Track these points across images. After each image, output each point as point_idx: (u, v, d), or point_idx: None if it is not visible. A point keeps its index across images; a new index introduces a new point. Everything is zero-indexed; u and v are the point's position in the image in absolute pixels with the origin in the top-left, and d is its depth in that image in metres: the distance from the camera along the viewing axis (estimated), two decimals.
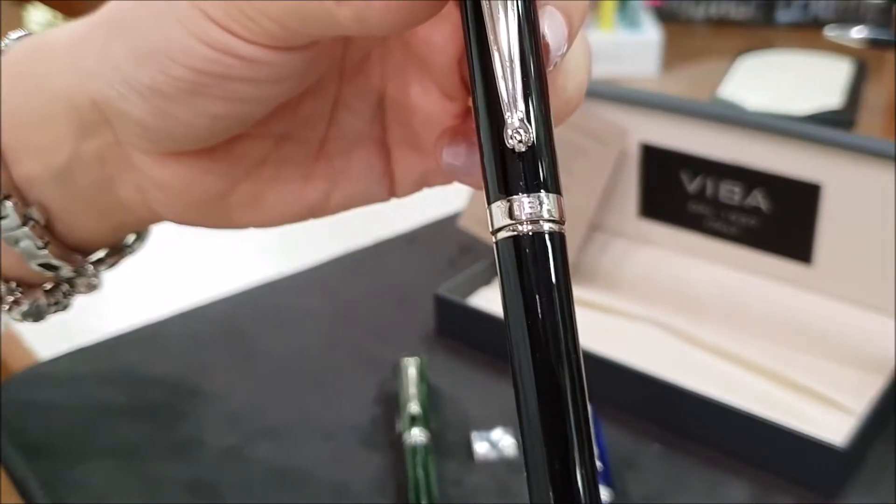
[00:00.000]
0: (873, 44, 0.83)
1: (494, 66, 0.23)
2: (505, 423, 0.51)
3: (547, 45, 0.24)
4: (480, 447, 0.49)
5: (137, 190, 0.32)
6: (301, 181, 0.33)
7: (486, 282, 0.62)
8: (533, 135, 0.23)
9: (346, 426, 0.52)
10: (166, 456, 0.50)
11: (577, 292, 0.61)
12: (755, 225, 0.56)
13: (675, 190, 0.58)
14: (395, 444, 0.50)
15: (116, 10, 0.28)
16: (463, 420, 0.52)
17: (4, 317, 0.35)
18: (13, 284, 0.34)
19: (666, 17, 1.20)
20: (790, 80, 0.99)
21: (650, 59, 1.10)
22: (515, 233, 0.22)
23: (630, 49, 1.10)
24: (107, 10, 0.29)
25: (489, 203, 0.23)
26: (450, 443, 0.50)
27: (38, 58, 0.31)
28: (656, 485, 0.47)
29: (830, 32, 0.81)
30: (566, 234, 0.23)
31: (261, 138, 0.32)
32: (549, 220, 0.22)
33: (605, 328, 0.58)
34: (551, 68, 0.25)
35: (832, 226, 0.53)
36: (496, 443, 0.50)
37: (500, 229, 0.22)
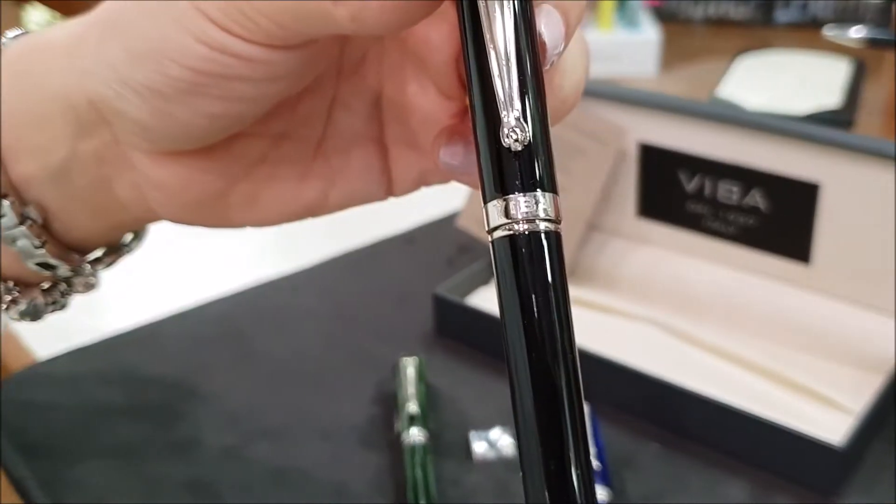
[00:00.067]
0: (872, 43, 0.83)
1: (491, 65, 0.23)
2: (503, 423, 0.51)
3: (543, 43, 0.24)
4: (479, 447, 0.49)
5: (135, 189, 0.32)
6: (299, 180, 0.33)
7: (485, 281, 0.62)
8: (529, 134, 0.23)
9: (344, 426, 0.52)
10: (165, 456, 0.50)
11: (576, 292, 0.61)
12: (754, 224, 0.56)
13: (673, 190, 0.58)
14: (394, 443, 0.50)
15: (113, 10, 0.28)
16: (461, 420, 0.52)
17: (3, 317, 0.35)
18: (11, 284, 0.34)
19: (665, 16, 1.20)
20: (789, 79, 0.99)
21: (649, 59, 1.10)
22: (511, 232, 0.22)
23: (629, 49, 1.10)
24: (103, 9, 0.29)
25: (485, 202, 0.23)
26: (448, 442, 0.50)
27: (35, 57, 0.31)
28: (655, 484, 0.47)
29: (829, 32, 0.81)
30: (563, 233, 0.23)
31: (258, 137, 0.32)
32: (545, 220, 0.22)
33: (604, 328, 0.58)
34: (548, 67, 0.25)
35: (831, 225, 0.53)
36: (494, 442, 0.50)
37: (496, 228, 0.22)
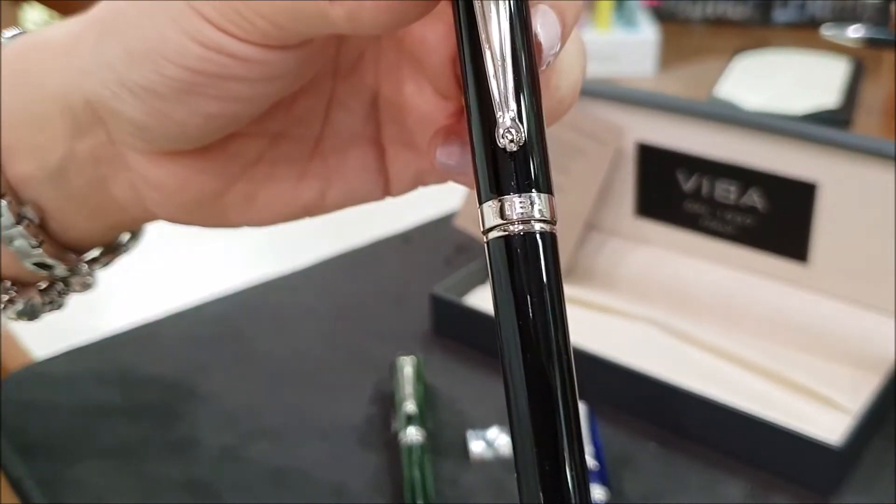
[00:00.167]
0: (870, 43, 0.83)
1: (486, 66, 0.23)
2: (501, 422, 0.51)
3: (539, 44, 0.24)
4: (476, 446, 0.49)
5: (132, 189, 0.32)
6: (296, 180, 0.33)
7: (482, 281, 0.62)
8: (524, 134, 0.23)
9: (342, 425, 0.52)
10: (164, 456, 0.50)
11: (574, 291, 0.61)
12: (751, 224, 0.56)
13: (671, 189, 0.58)
14: (392, 443, 0.50)
15: (111, 9, 0.28)
16: (459, 419, 0.52)
17: (1, 316, 0.35)
18: (8, 283, 0.34)
19: (663, 16, 1.20)
20: (787, 79, 0.99)
21: (647, 59, 1.10)
22: (506, 233, 0.22)
23: (627, 48, 1.10)
24: (101, 8, 0.29)
25: (480, 203, 0.23)
26: (446, 442, 0.50)
27: (33, 56, 0.30)
28: (653, 484, 0.47)
29: (827, 32, 0.81)
30: (560, 233, 0.23)
31: (255, 137, 0.32)
32: (540, 220, 0.22)
33: (602, 327, 0.58)
34: (544, 67, 0.25)
35: (828, 225, 0.53)
36: (492, 442, 0.50)
37: (491, 229, 0.22)
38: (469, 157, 0.24)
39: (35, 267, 0.33)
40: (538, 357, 0.22)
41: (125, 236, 0.36)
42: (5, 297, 0.34)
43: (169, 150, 0.30)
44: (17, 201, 0.31)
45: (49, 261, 0.33)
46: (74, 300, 0.37)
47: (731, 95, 0.92)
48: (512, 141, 0.23)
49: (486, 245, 0.23)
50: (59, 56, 0.30)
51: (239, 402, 0.54)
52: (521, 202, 0.22)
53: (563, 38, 0.25)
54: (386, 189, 0.34)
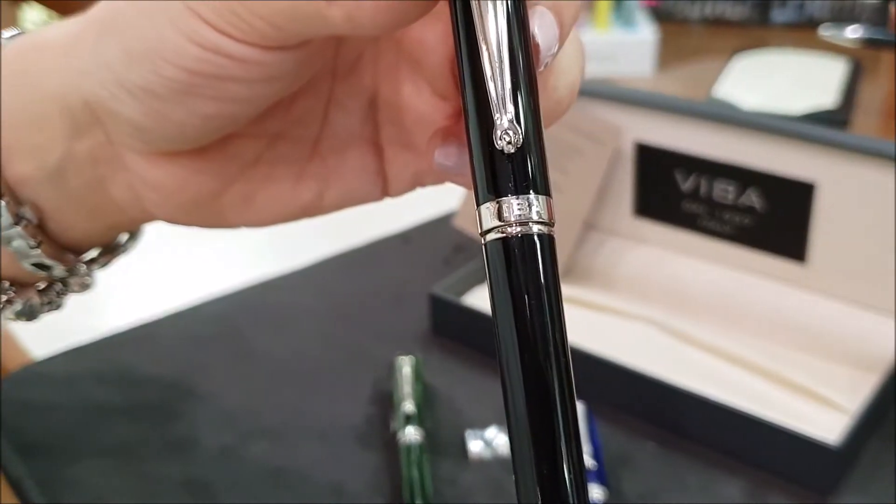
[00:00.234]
0: (868, 43, 0.83)
1: (484, 67, 0.23)
2: (499, 422, 0.51)
3: (537, 45, 0.24)
4: (475, 446, 0.49)
5: (130, 190, 0.32)
6: (294, 180, 0.33)
7: (481, 281, 0.62)
8: (522, 136, 0.23)
9: (341, 425, 0.52)
10: (162, 455, 0.50)
11: (572, 291, 0.61)
12: (749, 224, 0.56)
13: (669, 189, 0.58)
14: (390, 442, 0.50)
15: (110, 9, 0.28)
16: (457, 418, 0.52)
17: (1, 317, 0.35)
18: (6, 284, 0.34)
19: (661, 16, 1.20)
20: (785, 79, 0.99)
21: (645, 59, 1.10)
22: (504, 234, 0.22)
23: (625, 48, 1.10)
24: (100, 8, 0.29)
25: (478, 205, 0.23)
26: (444, 441, 0.50)
27: (32, 57, 0.30)
28: (651, 483, 0.47)
29: (825, 32, 0.81)
30: (559, 233, 0.23)
31: (254, 138, 0.32)
32: (537, 222, 0.22)
33: (600, 327, 0.58)
34: (542, 69, 0.25)
35: (826, 225, 0.53)
36: (490, 441, 0.50)
37: (489, 231, 0.22)
38: (467, 158, 0.24)
39: (33, 267, 0.33)
40: (536, 359, 0.22)
41: (124, 237, 0.36)
42: (4, 298, 0.34)
43: (167, 151, 0.30)
44: (16, 202, 0.31)
45: (47, 261, 0.33)
46: (73, 300, 0.37)
47: (730, 95, 0.92)
48: (510, 143, 0.23)
49: (483, 247, 0.23)
50: (57, 56, 0.30)
51: (238, 401, 0.54)
52: (518, 204, 0.22)
53: (561, 39, 0.25)
54: (384, 190, 0.34)
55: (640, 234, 0.61)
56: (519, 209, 0.22)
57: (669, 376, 0.50)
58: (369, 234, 0.71)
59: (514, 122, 0.23)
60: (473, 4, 0.23)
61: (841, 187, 0.52)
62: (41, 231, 0.32)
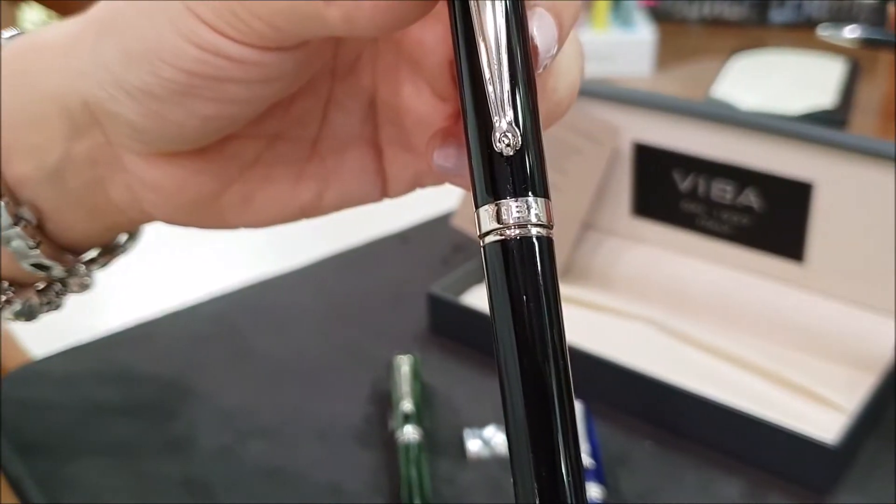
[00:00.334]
0: (866, 43, 0.83)
1: (482, 69, 0.23)
2: (497, 421, 0.51)
3: (536, 47, 0.24)
4: (473, 445, 0.50)
5: (129, 191, 0.32)
6: (293, 181, 0.33)
7: (479, 280, 0.62)
8: (521, 138, 0.23)
9: (339, 424, 0.52)
10: (161, 454, 0.50)
11: (571, 291, 0.61)
12: (747, 223, 0.56)
13: (667, 189, 0.58)
14: (389, 441, 0.50)
15: (110, 10, 0.28)
16: (456, 418, 0.52)
17: (0, 317, 0.35)
18: (5, 284, 0.34)
19: (660, 16, 1.20)
20: (783, 79, 0.99)
21: (644, 59, 1.10)
22: (503, 237, 0.22)
23: (624, 48, 1.10)
24: (100, 8, 0.29)
25: (477, 207, 0.23)
26: (443, 440, 0.50)
27: (31, 57, 0.30)
28: (649, 482, 0.48)
29: (823, 32, 0.81)
30: (557, 233, 0.23)
31: (253, 138, 0.32)
32: (536, 225, 0.22)
33: (598, 326, 0.58)
34: (541, 70, 0.24)
35: (824, 224, 0.53)
36: (489, 440, 0.50)
37: (487, 233, 0.22)
38: (466, 159, 0.24)
39: (33, 268, 0.33)
40: (535, 362, 0.22)
41: (123, 237, 0.36)
42: (3, 298, 0.34)
43: (166, 152, 0.30)
44: (15, 202, 0.31)
45: (46, 262, 0.33)
46: (72, 299, 0.37)
47: (728, 95, 0.92)
48: (508, 145, 0.22)
49: (482, 249, 0.23)
50: (57, 57, 0.30)
51: (236, 400, 0.54)
52: (517, 206, 0.22)
53: (561, 40, 0.25)
54: (383, 190, 0.34)
55: (638, 234, 0.61)
56: (517, 212, 0.22)
57: (668, 376, 0.50)
58: (368, 234, 0.71)
59: (513, 124, 0.23)
60: (472, 5, 0.23)
61: (839, 187, 0.52)
62: (40, 231, 0.32)
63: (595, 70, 1.06)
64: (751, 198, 0.55)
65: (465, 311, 0.58)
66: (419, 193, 0.34)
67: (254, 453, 0.50)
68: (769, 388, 0.52)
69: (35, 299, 0.35)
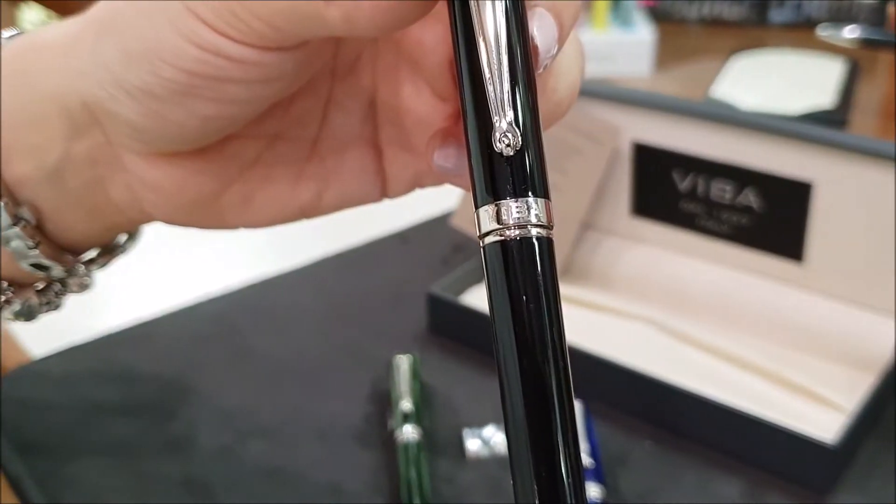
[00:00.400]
0: (866, 43, 0.83)
1: (483, 69, 0.23)
2: (497, 421, 0.51)
3: (536, 47, 0.24)
4: (472, 444, 0.50)
5: (129, 191, 0.32)
6: (293, 181, 0.33)
7: (479, 280, 0.62)
8: (521, 139, 0.23)
9: (339, 424, 0.52)
10: (160, 454, 0.50)
11: (570, 291, 0.61)
12: (747, 223, 0.56)
13: (667, 188, 0.58)
14: (388, 441, 0.50)
15: (109, 9, 0.28)
16: (455, 417, 0.52)
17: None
18: (5, 284, 0.34)
19: (659, 16, 1.20)
20: (783, 79, 0.99)
21: (643, 59, 1.10)
22: (503, 238, 0.22)
23: (623, 48, 1.10)
24: (99, 8, 0.29)
25: (477, 207, 0.23)
26: (442, 440, 0.50)
27: (31, 57, 0.30)
28: (648, 482, 0.48)
29: (823, 32, 0.81)
30: (556, 233, 0.23)
31: (253, 138, 0.32)
32: (536, 225, 0.22)
33: (598, 326, 0.58)
34: (541, 70, 0.24)
35: (824, 224, 0.53)
36: (488, 440, 0.50)
37: (487, 234, 0.22)
38: (466, 159, 0.24)
39: (32, 268, 0.33)
40: (535, 363, 0.22)
41: (123, 237, 0.36)
42: (2, 298, 0.34)
43: (166, 152, 0.30)
44: (14, 202, 0.31)
45: (46, 262, 0.33)
46: (72, 299, 0.37)
47: (728, 95, 0.92)
48: (508, 145, 0.22)
49: (482, 250, 0.22)
50: (56, 57, 0.30)
51: (236, 400, 0.54)
52: (517, 207, 0.22)
53: (561, 40, 0.25)
54: (383, 191, 0.34)
55: (637, 234, 0.61)
56: (517, 212, 0.22)
57: (667, 375, 0.50)
58: (368, 234, 0.71)
59: (513, 124, 0.23)
60: (472, 5, 0.23)
61: (838, 187, 0.52)
62: (39, 232, 0.32)
63: (594, 70, 1.06)
64: (750, 198, 0.55)
65: (465, 310, 0.58)
66: (419, 193, 0.34)
67: (254, 453, 0.50)
68: (769, 388, 0.52)
69: (34, 299, 0.35)
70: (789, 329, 0.55)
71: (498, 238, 0.22)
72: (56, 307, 0.36)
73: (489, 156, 0.23)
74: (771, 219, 0.55)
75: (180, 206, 0.32)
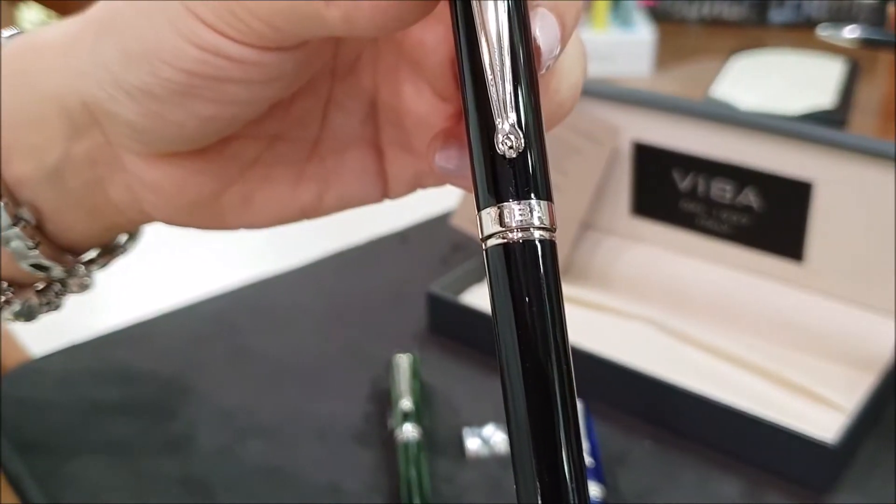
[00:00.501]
0: (866, 43, 0.83)
1: (484, 71, 0.23)
2: (497, 420, 0.51)
3: (538, 47, 0.24)
4: (472, 443, 0.50)
5: (128, 191, 0.32)
6: (293, 182, 0.33)
7: (479, 279, 0.62)
8: (523, 140, 0.22)
9: (338, 423, 0.52)
10: (160, 453, 0.50)
11: (570, 290, 0.61)
12: (747, 223, 0.56)
13: (667, 188, 0.58)
14: (388, 440, 0.50)
15: (108, 10, 0.28)
16: (455, 416, 0.52)
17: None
18: (4, 284, 0.34)
19: (659, 16, 1.20)
20: (783, 79, 0.99)
21: (643, 59, 1.10)
22: (505, 240, 0.22)
23: (623, 48, 1.10)
24: (99, 8, 0.29)
25: (479, 209, 0.23)
26: (442, 439, 0.50)
27: (30, 57, 0.30)
28: (648, 481, 0.48)
29: (823, 32, 0.81)
30: (556, 240, 0.23)
31: (253, 139, 0.32)
32: (539, 228, 0.22)
33: (598, 326, 0.58)
34: (543, 71, 0.24)
35: (824, 224, 0.53)
36: (488, 439, 0.50)
37: (489, 236, 0.22)
38: (467, 160, 0.23)
39: (32, 268, 0.33)
40: (537, 365, 0.22)
41: (123, 237, 0.36)
42: (2, 298, 0.34)
43: (165, 153, 0.30)
44: (14, 202, 0.31)
45: (46, 262, 0.33)
46: (72, 299, 0.37)
47: (727, 95, 0.92)
48: (511, 147, 0.22)
49: (484, 252, 0.22)
50: (56, 57, 0.30)
51: (235, 399, 0.54)
52: (520, 209, 0.22)
53: (563, 41, 0.25)
54: (384, 191, 0.34)
55: (637, 234, 0.61)
56: (520, 215, 0.22)
57: (667, 375, 0.50)
58: (367, 233, 0.71)
59: (516, 126, 0.22)
60: (474, 5, 0.23)
61: (838, 187, 0.52)
62: (39, 232, 0.32)
63: (595, 70, 1.06)
64: (750, 197, 0.55)
65: (465, 310, 0.58)
66: (419, 193, 0.34)
67: (253, 453, 0.50)
68: (769, 388, 0.52)
69: (34, 299, 0.35)
70: (789, 329, 0.55)
71: (501, 241, 0.22)
72: (56, 307, 0.36)
73: (491, 157, 0.23)
74: (771, 219, 0.55)
75: (180, 206, 0.32)
